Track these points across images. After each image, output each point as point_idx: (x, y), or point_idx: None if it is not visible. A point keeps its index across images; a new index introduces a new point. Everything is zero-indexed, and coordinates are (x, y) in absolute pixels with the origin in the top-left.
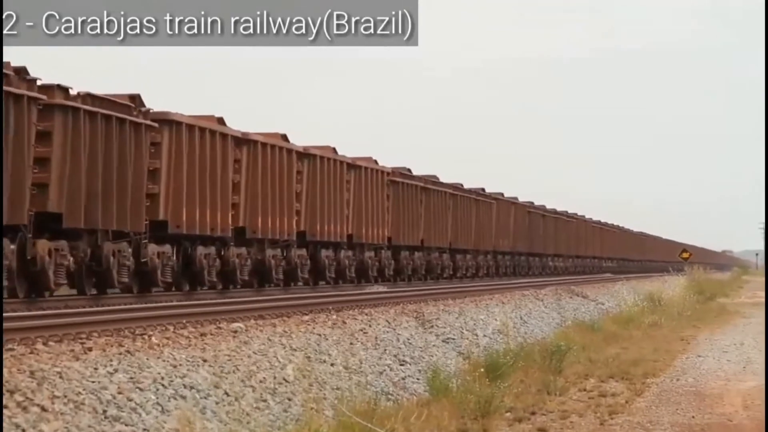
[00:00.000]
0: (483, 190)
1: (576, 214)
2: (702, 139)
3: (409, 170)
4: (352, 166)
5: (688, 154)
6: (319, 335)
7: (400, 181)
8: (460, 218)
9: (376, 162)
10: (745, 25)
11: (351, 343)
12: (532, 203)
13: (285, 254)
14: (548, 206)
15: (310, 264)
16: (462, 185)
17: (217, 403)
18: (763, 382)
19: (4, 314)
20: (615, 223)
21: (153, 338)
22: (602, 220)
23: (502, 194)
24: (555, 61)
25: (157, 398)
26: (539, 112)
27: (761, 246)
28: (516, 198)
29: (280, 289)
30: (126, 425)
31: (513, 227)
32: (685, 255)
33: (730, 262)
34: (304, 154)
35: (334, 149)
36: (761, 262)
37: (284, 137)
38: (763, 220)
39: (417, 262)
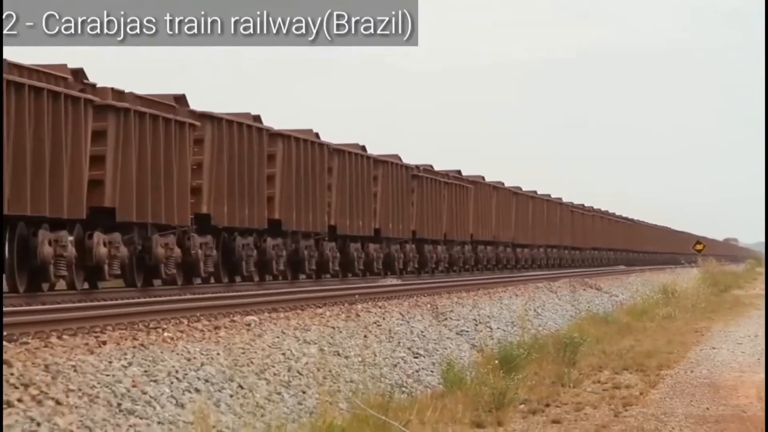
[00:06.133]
0: (459, 172)
1: (583, 205)
2: (704, 133)
3: (363, 147)
4: (279, 135)
5: (690, 147)
6: (333, 328)
7: (346, 151)
8: (427, 204)
9: (318, 135)
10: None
11: (365, 336)
12: (520, 188)
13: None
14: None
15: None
16: (432, 167)
17: (231, 396)
18: None
19: (17, 308)
20: (622, 215)
21: (167, 332)
22: (602, 209)
23: (483, 177)
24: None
25: (172, 391)
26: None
27: None
28: (501, 183)
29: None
30: (140, 418)
31: (494, 215)
32: (698, 247)
33: (741, 253)
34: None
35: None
36: None
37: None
38: None
39: (373, 254)
